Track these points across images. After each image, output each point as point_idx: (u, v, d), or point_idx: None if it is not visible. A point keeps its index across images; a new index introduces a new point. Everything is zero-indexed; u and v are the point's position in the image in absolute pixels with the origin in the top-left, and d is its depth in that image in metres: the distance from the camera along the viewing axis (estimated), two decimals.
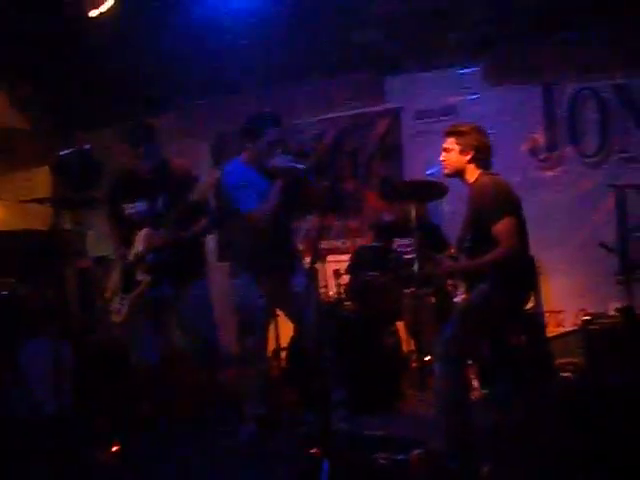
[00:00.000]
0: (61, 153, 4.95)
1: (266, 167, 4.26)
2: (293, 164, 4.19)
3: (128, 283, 4.55)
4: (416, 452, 3.80)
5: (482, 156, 3.82)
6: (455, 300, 3.83)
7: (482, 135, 3.85)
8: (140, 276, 4.51)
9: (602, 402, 3.91)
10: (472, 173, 3.83)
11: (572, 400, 4.13)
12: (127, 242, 4.63)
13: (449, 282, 4.07)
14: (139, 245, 4.52)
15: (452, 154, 3.85)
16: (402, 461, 3.76)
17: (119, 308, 4.57)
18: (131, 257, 4.55)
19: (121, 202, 4.67)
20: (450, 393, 3.72)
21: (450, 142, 3.86)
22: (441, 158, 3.92)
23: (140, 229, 4.56)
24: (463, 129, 3.86)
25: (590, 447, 3.56)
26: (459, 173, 3.88)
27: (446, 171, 3.94)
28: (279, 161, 4.19)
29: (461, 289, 3.81)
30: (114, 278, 4.66)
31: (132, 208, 4.63)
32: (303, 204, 4.61)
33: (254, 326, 4.44)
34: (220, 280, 5.23)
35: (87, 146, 4.68)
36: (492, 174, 3.84)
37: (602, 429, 3.70)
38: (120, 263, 4.65)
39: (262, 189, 4.26)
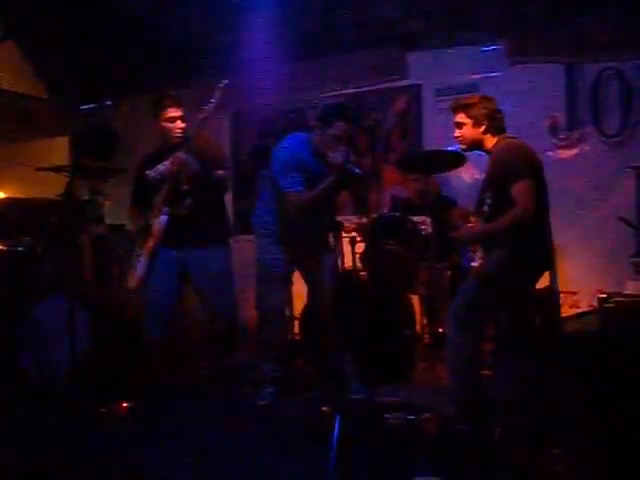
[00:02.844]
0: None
1: (326, 158, 4.19)
2: (350, 166, 4.12)
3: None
4: (427, 414, 3.82)
5: (496, 123, 3.79)
6: (472, 264, 3.79)
7: (490, 102, 3.82)
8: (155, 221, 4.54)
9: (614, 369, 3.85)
10: (490, 141, 3.80)
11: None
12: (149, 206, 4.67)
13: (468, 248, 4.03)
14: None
15: (466, 128, 3.81)
16: (413, 421, 3.78)
17: (136, 268, 4.62)
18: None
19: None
20: (462, 358, 3.72)
21: (460, 117, 3.82)
22: (455, 134, 3.89)
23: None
24: (470, 101, 3.81)
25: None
26: (477, 145, 3.86)
27: (463, 146, 3.91)
28: (338, 157, 4.11)
29: (479, 253, 3.77)
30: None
31: (154, 171, 4.64)
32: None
33: (272, 284, 4.44)
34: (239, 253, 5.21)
35: (108, 102, 4.68)
36: (511, 137, 3.81)
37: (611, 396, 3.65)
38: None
39: (314, 172, 4.22)
